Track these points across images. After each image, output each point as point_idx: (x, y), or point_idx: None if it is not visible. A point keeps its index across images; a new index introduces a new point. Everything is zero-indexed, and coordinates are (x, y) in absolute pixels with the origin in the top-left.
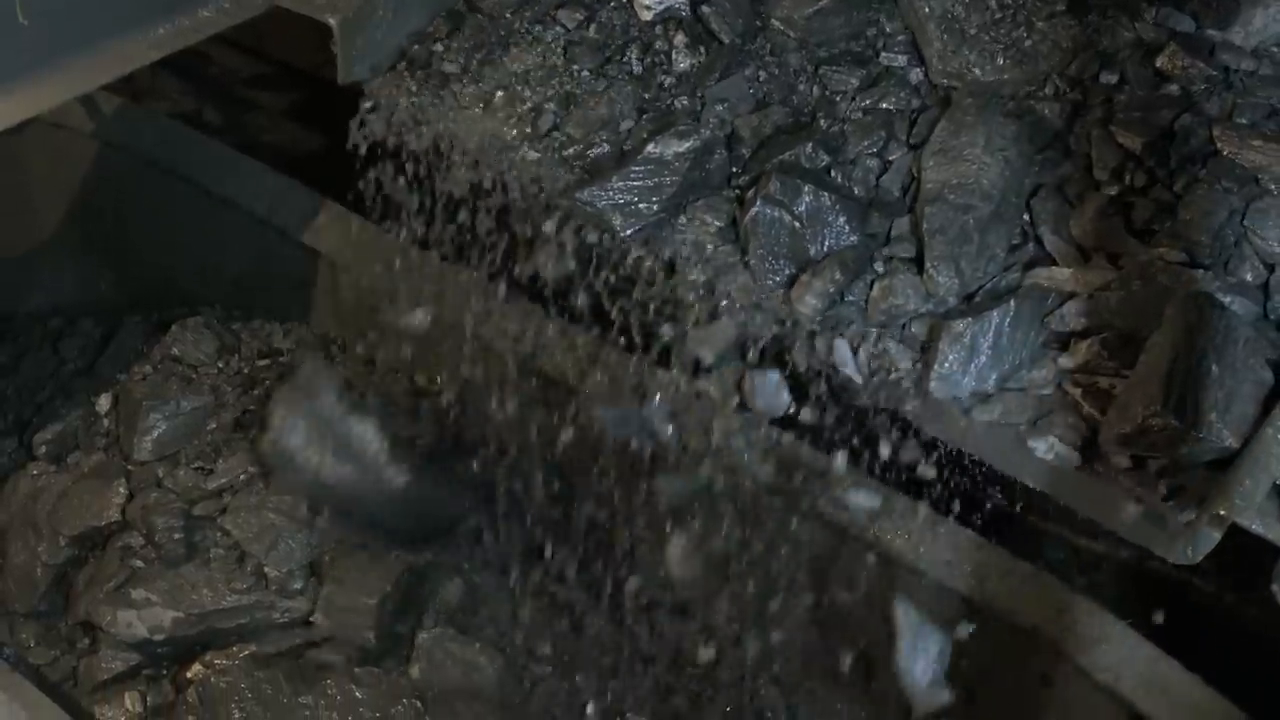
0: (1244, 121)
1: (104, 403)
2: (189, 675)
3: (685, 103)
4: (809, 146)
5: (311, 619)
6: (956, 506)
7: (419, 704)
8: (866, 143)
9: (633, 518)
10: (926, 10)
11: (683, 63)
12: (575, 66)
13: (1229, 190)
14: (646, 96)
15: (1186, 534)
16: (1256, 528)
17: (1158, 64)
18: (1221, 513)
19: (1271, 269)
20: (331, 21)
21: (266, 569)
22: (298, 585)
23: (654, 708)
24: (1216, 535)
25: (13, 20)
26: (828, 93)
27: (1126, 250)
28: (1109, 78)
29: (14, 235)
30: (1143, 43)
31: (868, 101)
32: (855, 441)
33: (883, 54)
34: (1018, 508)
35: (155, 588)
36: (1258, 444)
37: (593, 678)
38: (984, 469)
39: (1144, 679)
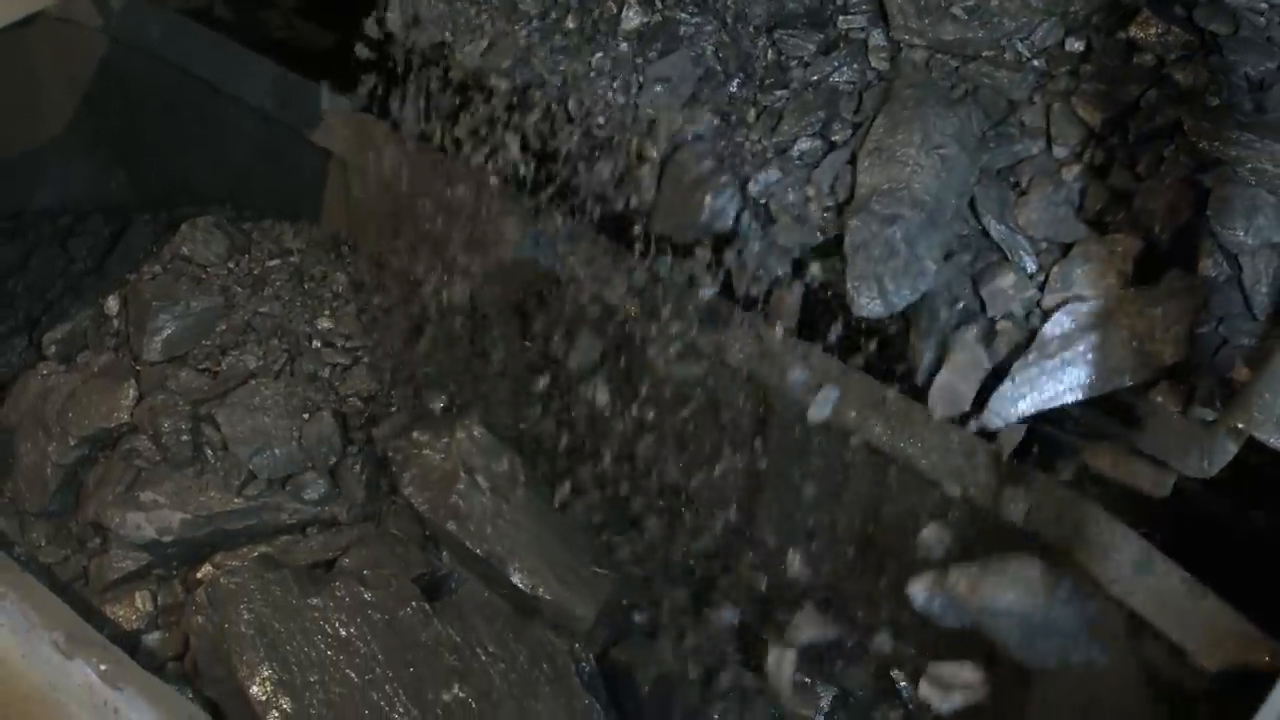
0: (1216, 102)
1: (113, 303)
2: (198, 576)
3: (617, 97)
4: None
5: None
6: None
7: (427, 607)
8: (803, 139)
9: None
10: None
11: (634, 21)
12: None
13: (1193, 174)
14: (573, 103)
15: (1203, 447)
16: (1275, 441)
17: (1130, 31)
18: (1239, 426)
19: (1237, 263)
20: None
21: (254, 471)
22: (311, 494)
23: None
24: (1233, 448)
25: None
26: (783, 58)
27: (1079, 242)
28: (1075, 45)
29: (22, 132)
30: (1119, 6)
31: (815, 75)
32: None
33: (841, 17)
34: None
35: (163, 490)
36: (1278, 357)
37: None
38: None
39: (1156, 592)
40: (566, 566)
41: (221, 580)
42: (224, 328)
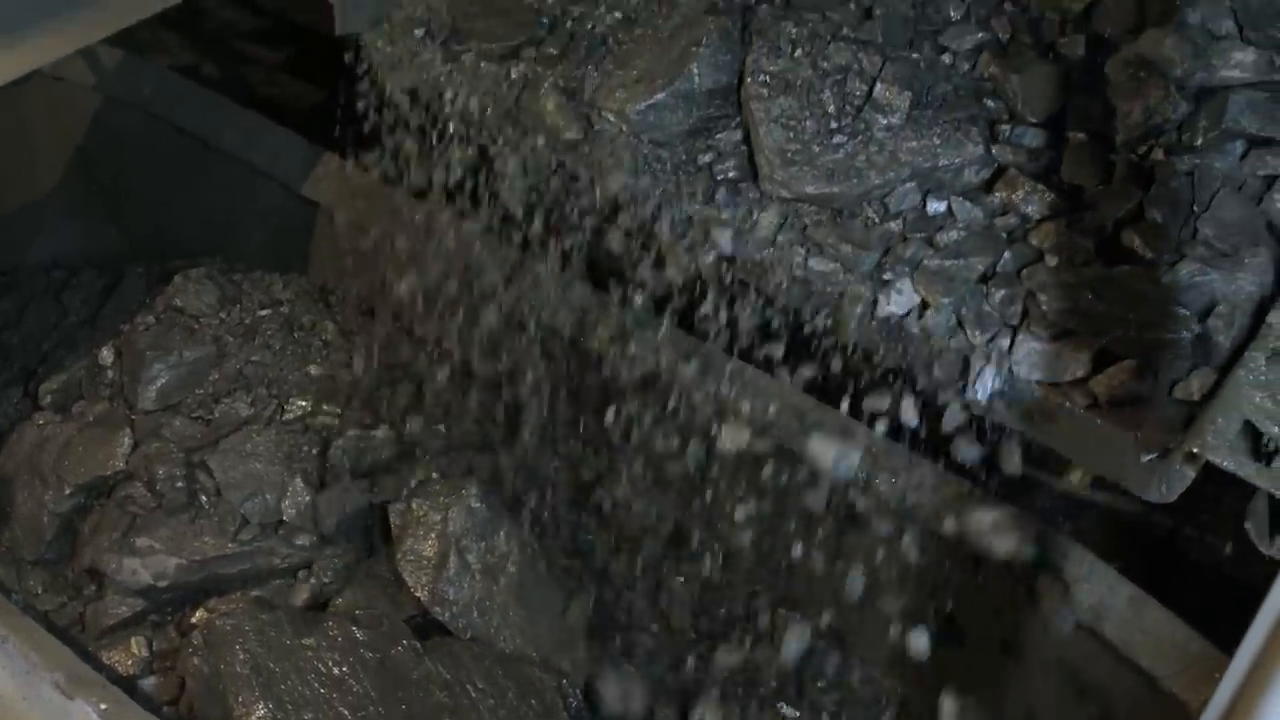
0: (1056, 261)
1: (107, 354)
2: (192, 620)
3: None
4: None
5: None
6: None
7: (418, 646)
8: None
9: None
10: (763, 112)
11: None
12: None
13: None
14: None
15: (1161, 473)
16: (1229, 465)
17: (997, 193)
18: (1195, 450)
19: None
20: None
21: (246, 516)
22: (302, 541)
23: None
24: (1191, 474)
25: None
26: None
27: None
28: (936, 206)
29: (16, 187)
30: (992, 161)
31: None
32: None
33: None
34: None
35: (158, 535)
36: (1230, 384)
37: None
38: None
39: (1124, 618)
40: (555, 635)
41: (217, 622)
42: (216, 376)
